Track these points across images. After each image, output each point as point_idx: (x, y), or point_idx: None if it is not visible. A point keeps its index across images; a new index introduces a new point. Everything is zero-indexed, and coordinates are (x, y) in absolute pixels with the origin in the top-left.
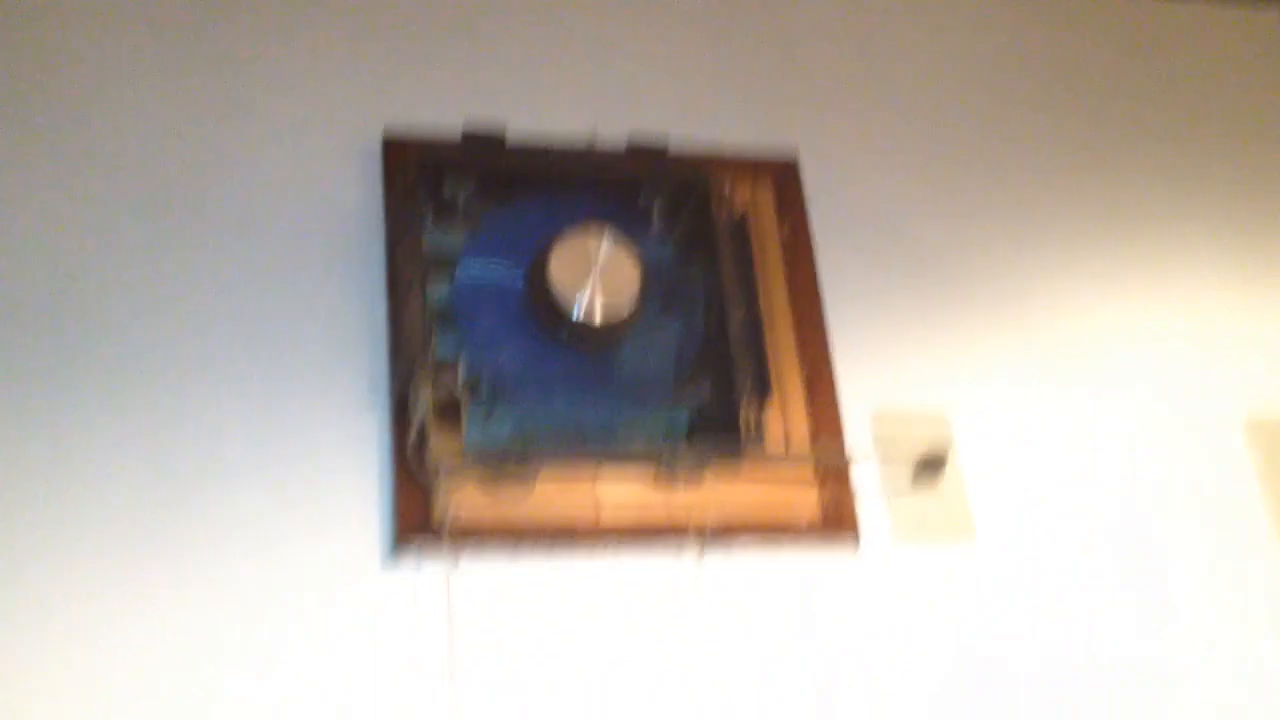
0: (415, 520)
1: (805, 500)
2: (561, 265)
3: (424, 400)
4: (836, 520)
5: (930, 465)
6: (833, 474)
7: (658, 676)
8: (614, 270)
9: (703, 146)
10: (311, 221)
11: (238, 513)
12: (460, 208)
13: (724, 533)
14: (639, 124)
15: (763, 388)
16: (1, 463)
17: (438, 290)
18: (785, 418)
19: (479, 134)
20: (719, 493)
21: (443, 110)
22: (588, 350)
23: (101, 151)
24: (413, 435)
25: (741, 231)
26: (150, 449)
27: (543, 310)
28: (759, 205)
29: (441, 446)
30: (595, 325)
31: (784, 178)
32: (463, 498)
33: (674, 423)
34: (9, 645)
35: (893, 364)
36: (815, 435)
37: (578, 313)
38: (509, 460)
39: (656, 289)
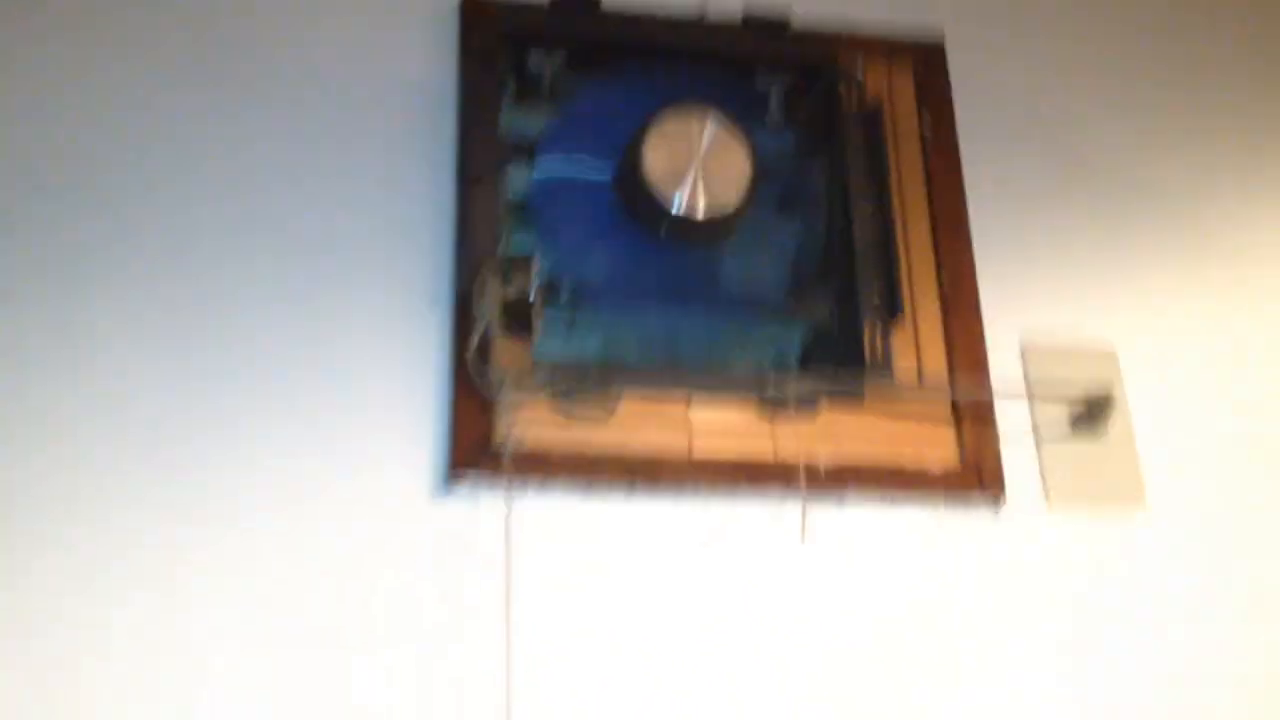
0: (473, 444)
1: (938, 445)
2: (659, 150)
3: (490, 299)
4: (976, 472)
5: (1093, 411)
6: (973, 415)
7: (746, 643)
8: (721, 159)
9: (831, 22)
10: (375, 95)
11: (274, 426)
12: (546, 84)
13: (838, 478)
14: None
15: (892, 306)
16: (26, 353)
17: (516, 179)
18: (918, 344)
19: None
20: (835, 429)
21: None
22: (686, 252)
23: (147, 14)
24: (474, 341)
25: (874, 124)
26: (181, 346)
27: (636, 202)
28: (896, 94)
29: (508, 356)
30: (697, 221)
31: (927, 62)
32: (531, 419)
33: (785, 343)
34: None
35: (1047, 288)
36: (953, 367)
37: (677, 206)
38: (588, 377)
39: (771, 185)
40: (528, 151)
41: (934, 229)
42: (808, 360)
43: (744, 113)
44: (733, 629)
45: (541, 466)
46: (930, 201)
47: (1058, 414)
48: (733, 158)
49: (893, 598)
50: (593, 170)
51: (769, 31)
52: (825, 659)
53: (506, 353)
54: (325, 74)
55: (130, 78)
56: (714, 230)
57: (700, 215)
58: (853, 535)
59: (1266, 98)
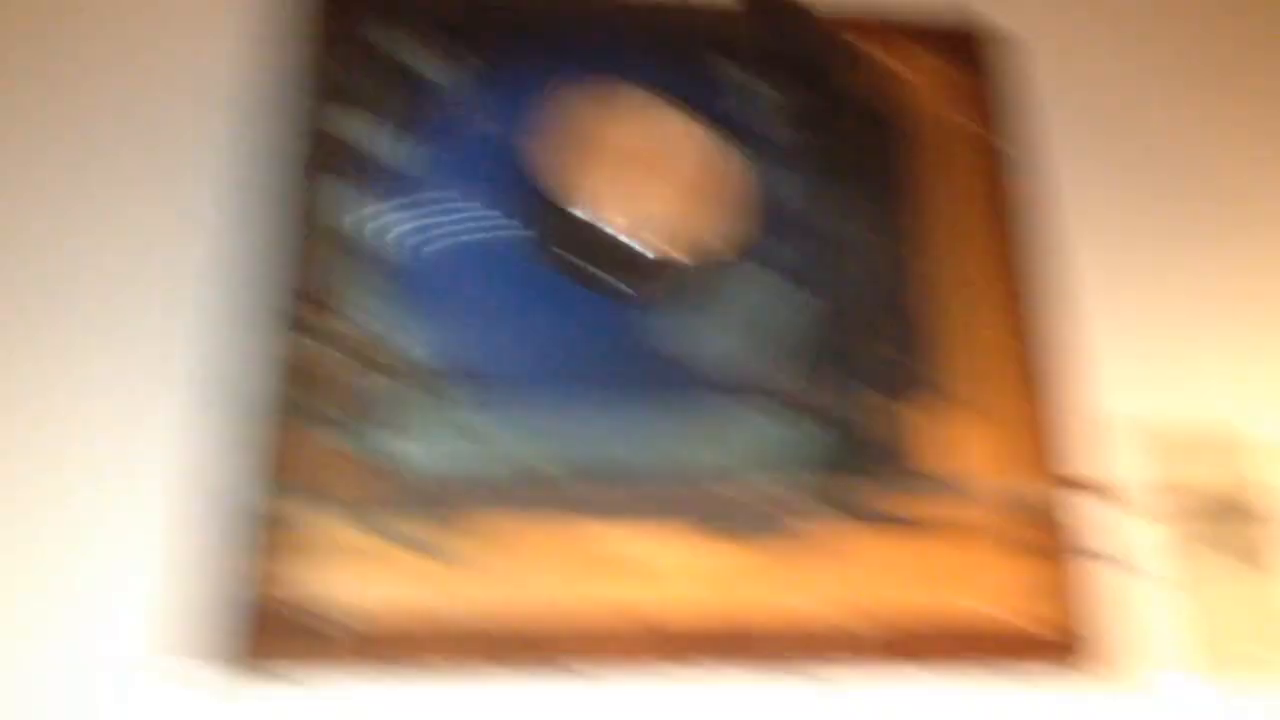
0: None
1: (1019, 588)
2: (595, 159)
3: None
4: (1069, 624)
5: (1242, 525)
6: (1062, 542)
7: None
8: (686, 170)
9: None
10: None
11: None
12: (418, 66)
13: (883, 644)
14: None
15: (939, 389)
16: None
17: (366, 214)
18: (968, 441)
19: None
20: (869, 568)
21: None
22: (637, 315)
23: None
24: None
25: (903, 133)
26: None
27: (554, 229)
28: (931, 94)
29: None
30: (649, 258)
31: (971, 52)
32: (371, 568)
33: (784, 445)
34: None
35: (1171, 360)
36: (1033, 474)
37: (620, 236)
38: (464, 501)
39: (762, 221)
40: (397, 181)
41: (991, 270)
42: (821, 469)
43: (719, 111)
44: None
45: (392, 647)
46: (991, 227)
47: (1189, 534)
48: (702, 170)
49: None
50: (496, 205)
51: (759, 6)
52: None
53: (337, 468)
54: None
55: None
56: (678, 275)
57: (655, 248)
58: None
59: None
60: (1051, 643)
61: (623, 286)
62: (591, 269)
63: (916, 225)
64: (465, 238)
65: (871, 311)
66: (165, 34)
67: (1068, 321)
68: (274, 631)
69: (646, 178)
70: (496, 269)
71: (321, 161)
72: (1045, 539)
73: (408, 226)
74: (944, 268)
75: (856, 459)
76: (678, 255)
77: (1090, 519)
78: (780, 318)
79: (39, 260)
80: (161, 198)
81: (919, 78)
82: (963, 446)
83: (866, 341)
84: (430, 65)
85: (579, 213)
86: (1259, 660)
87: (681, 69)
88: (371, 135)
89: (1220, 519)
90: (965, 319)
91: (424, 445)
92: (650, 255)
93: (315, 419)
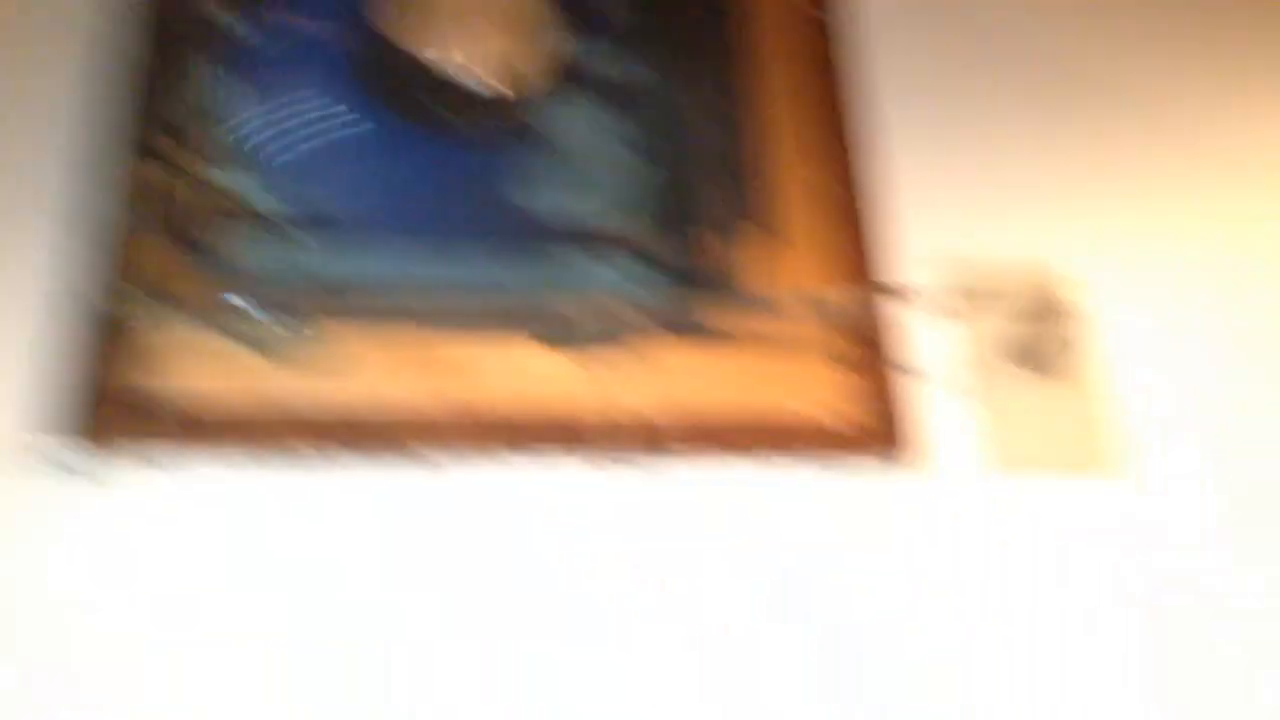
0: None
1: (826, 388)
2: (433, 4)
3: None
4: (884, 424)
5: (1042, 337)
6: (874, 350)
7: (553, 659)
8: (514, 11)
9: None
10: None
11: None
12: None
13: (681, 436)
14: None
15: (751, 217)
16: None
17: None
18: (794, 266)
19: None
20: (679, 372)
21: None
22: (467, 151)
23: None
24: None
25: (736, 6)
26: None
27: (389, 74)
28: None
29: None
30: (482, 95)
31: None
32: (210, 363)
33: (612, 274)
34: None
35: (976, 197)
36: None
37: (455, 72)
38: (307, 299)
39: (589, 68)
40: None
41: (814, 124)
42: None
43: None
44: (539, 638)
45: (223, 432)
46: (803, 84)
47: (993, 345)
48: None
49: (768, 581)
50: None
51: None
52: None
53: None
54: None
55: None
56: (506, 113)
57: (486, 83)
58: (707, 510)
59: None
60: (856, 438)
61: (462, 124)
62: (433, 108)
63: (749, 88)
64: (312, 128)
65: (705, 162)
66: None
67: (890, 168)
68: (117, 414)
69: (479, 19)
70: (345, 139)
71: (180, 31)
72: (855, 349)
73: (257, 120)
74: (774, 125)
75: (687, 284)
76: (512, 90)
77: (897, 331)
78: (617, 164)
79: None
80: (29, 45)
81: None
82: (785, 272)
83: (700, 188)
84: None
85: (418, 53)
86: (1044, 457)
87: None
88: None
89: (1017, 333)
90: (792, 167)
91: (266, 261)
92: (486, 92)
93: (164, 234)
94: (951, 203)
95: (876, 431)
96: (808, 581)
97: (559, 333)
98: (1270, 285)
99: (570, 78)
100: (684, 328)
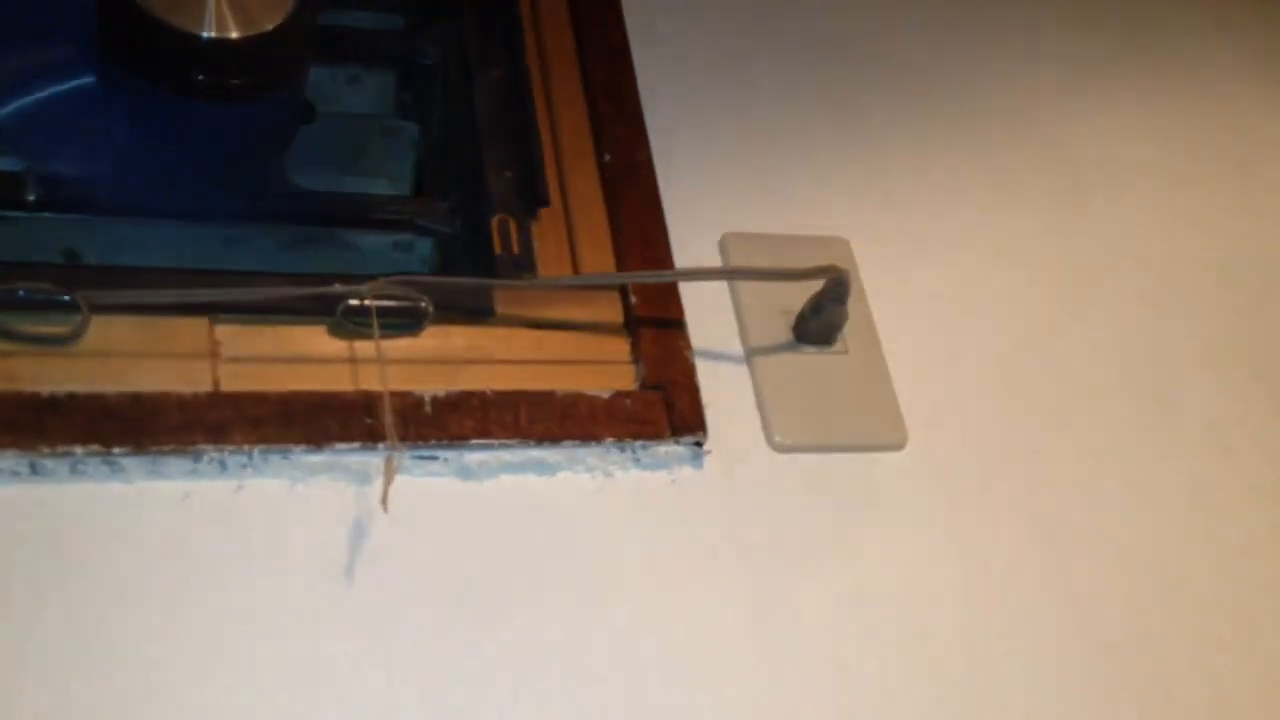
0: None
1: (609, 367)
2: None
3: None
4: (663, 400)
5: (822, 314)
6: (658, 325)
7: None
8: None
9: None
10: None
11: None
12: None
13: (446, 419)
14: None
15: (532, 197)
16: None
17: None
18: (572, 243)
19: None
20: (450, 354)
21: None
22: (231, 122)
23: None
24: None
25: None
26: None
27: (123, 32)
28: None
29: None
30: (232, 47)
31: None
32: None
33: (390, 257)
34: None
35: (752, 177)
36: (624, 265)
37: (205, 25)
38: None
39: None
40: None
41: (591, 100)
42: (432, 275)
43: None
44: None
45: None
46: (584, 66)
47: (776, 321)
48: None
49: (538, 582)
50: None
51: None
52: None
53: None
54: None
55: None
56: (261, 66)
57: (234, 32)
58: (477, 498)
59: None
60: (648, 420)
61: (202, 79)
62: (167, 67)
63: (538, 67)
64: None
65: (495, 142)
66: None
67: (677, 146)
68: None
69: None
70: (78, 111)
71: None
72: (646, 330)
73: None
74: (564, 104)
75: (477, 267)
76: (246, 38)
77: (686, 311)
78: (402, 143)
79: None
80: None
81: None
82: (576, 253)
83: (490, 169)
84: None
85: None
86: (830, 431)
87: None
88: None
89: (806, 308)
90: (582, 146)
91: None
92: (223, 42)
93: None
94: (738, 180)
95: (669, 412)
96: (597, 566)
97: (346, 319)
98: (1056, 260)
99: (351, 54)
100: (475, 312)
